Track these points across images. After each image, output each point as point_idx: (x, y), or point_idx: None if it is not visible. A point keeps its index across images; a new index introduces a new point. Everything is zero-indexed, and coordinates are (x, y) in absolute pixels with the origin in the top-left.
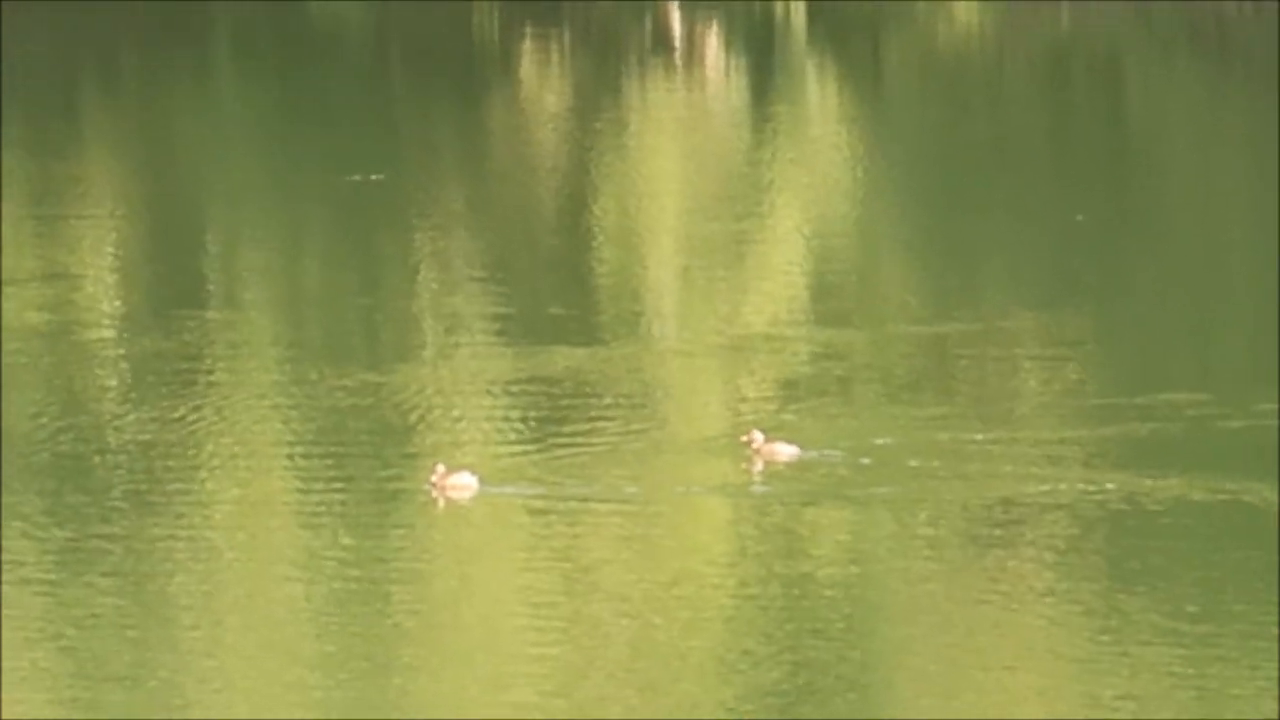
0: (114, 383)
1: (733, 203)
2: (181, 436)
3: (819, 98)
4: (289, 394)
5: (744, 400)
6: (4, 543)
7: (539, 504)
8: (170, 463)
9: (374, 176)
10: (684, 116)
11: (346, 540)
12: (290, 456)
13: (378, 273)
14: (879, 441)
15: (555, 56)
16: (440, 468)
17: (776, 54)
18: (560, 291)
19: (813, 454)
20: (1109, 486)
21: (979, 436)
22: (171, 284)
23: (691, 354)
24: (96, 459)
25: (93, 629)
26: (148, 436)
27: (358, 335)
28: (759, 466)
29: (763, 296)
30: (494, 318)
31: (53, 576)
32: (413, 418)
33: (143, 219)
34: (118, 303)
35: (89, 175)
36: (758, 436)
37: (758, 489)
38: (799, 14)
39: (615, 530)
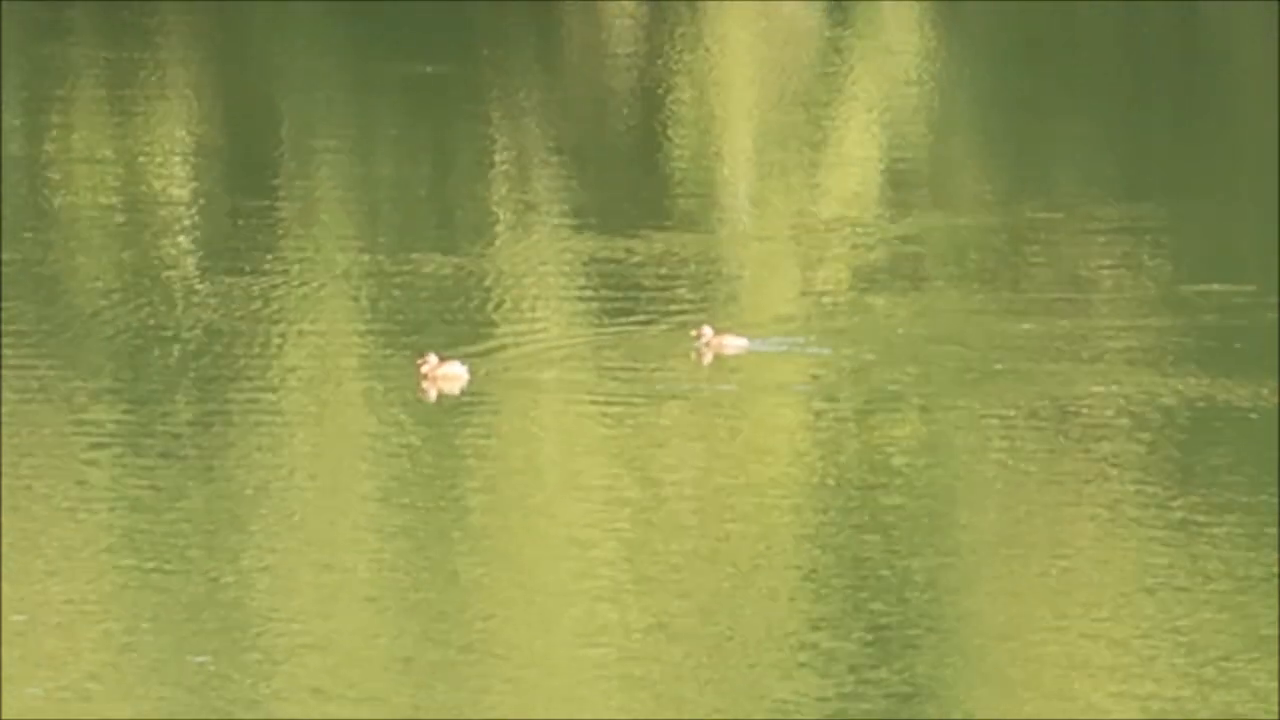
0: (183, 266)
1: (808, 95)
2: (251, 320)
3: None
4: (358, 279)
5: (811, 289)
6: (70, 418)
7: (530, 393)
8: (239, 346)
9: (429, 69)
10: (762, 13)
11: (408, 422)
12: (357, 342)
13: (451, 161)
14: (949, 329)
15: None
16: (432, 357)
17: None
18: (634, 179)
19: (760, 345)
20: (1172, 383)
21: (1033, 327)
22: (243, 170)
23: (763, 241)
24: (164, 341)
25: (154, 505)
26: (224, 318)
27: (429, 222)
28: (708, 359)
29: (836, 186)
30: (567, 206)
31: (116, 453)
32: (479, 303)
33: (215, 106)
34: (187, 189)
35: (162, 63)
36: (706, 331)
37: (800, 387)
38: None
39: (656, 419)
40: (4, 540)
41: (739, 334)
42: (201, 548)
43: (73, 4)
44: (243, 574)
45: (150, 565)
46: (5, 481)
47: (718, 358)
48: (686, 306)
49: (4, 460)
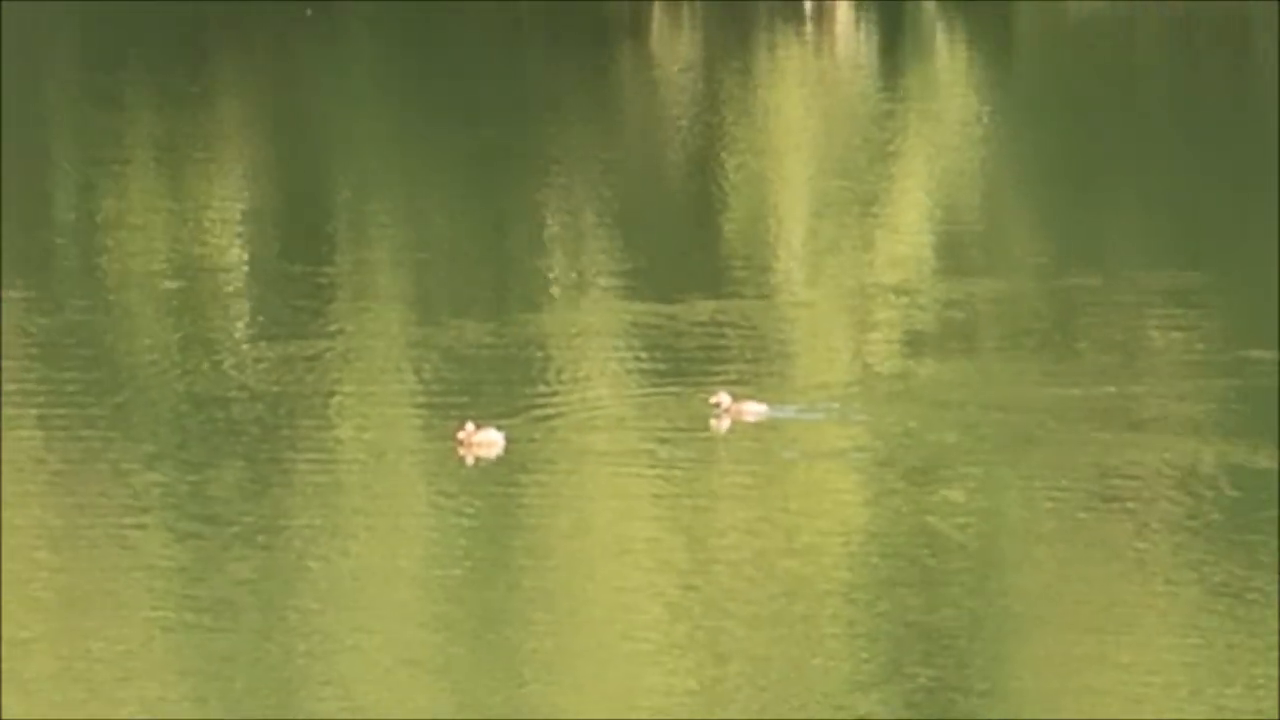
0: (237, 331)
1: (860, 160)
2: (305, 384)
3: (948, 59)
4: (407, 345)
5: (854, 356)
6: (129, 481)
7: (565, 459)
8: (284, 412)
9: (482, 133)
10: (813, 76)
11: (446, 489)
12: (402, 409)
13: (506, 225)
14: (996, 397)
15: (685, 17)
16: (470, 425)
17: (906, 18)
18: (684, 246)
19: (780, 412)
20: (1219, 449)
21: (1080, 393)
22: (294, 236)
23: (811, 308)
24: (212, 405)
25: (199, 569)
26: (271, 384)
27: (479, 288)
28: (725, 426)
29: (887, 252)
30: (618, 272)
31: (163, 516)
32: (525, 369)
33: (266, 172)
34: (238, 255)
35: (216, 127)
36: (724, 398)
37: (843, 448)
38: None
39: (684, 484)
40: (51, 600)
41: (759, 401)
42: (242, 611)
43: (123, 71)
44: (282, 637)
45: (193, 628)
46: (53, 544)
47: (736, 425)
48: (726, 372)
49: (52, 523)
